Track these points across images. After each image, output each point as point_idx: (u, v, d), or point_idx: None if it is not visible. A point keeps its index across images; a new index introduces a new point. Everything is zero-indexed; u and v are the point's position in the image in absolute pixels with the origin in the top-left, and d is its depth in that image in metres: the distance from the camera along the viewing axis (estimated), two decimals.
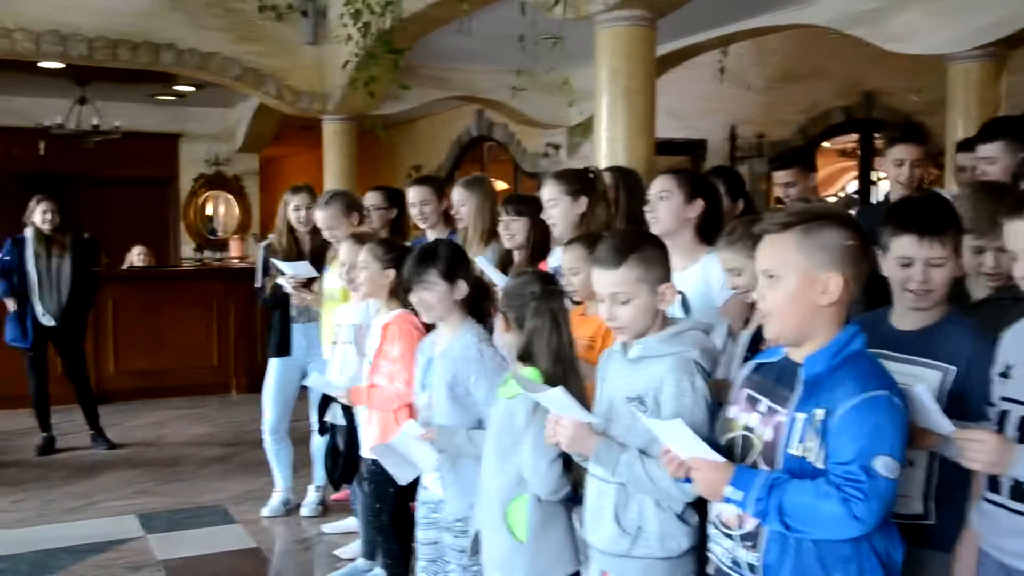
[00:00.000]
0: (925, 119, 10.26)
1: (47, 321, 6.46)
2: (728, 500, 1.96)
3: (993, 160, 3.53)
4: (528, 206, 3.86)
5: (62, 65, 8.36)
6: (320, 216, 4.62)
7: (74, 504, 5.33)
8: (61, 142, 10.55)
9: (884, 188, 4.87)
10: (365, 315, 3.91)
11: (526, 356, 2.57)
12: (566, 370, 2.56)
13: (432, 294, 3.04)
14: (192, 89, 10.37)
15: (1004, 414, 2.06)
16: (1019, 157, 3.29)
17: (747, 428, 2.04)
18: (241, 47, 7.78)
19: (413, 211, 4.68)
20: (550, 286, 2.68)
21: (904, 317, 2.39)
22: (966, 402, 2.21)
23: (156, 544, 4.64)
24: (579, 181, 3.60)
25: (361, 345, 3.85)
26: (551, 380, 2.46)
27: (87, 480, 5.82)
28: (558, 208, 3.56)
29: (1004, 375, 2.10)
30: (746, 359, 2.65)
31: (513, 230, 3.84)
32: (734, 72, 8.58)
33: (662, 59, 6.98)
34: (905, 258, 2.30)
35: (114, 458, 6.36)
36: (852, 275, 1.94)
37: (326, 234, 4.66)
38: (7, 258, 6.44)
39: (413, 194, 4.66)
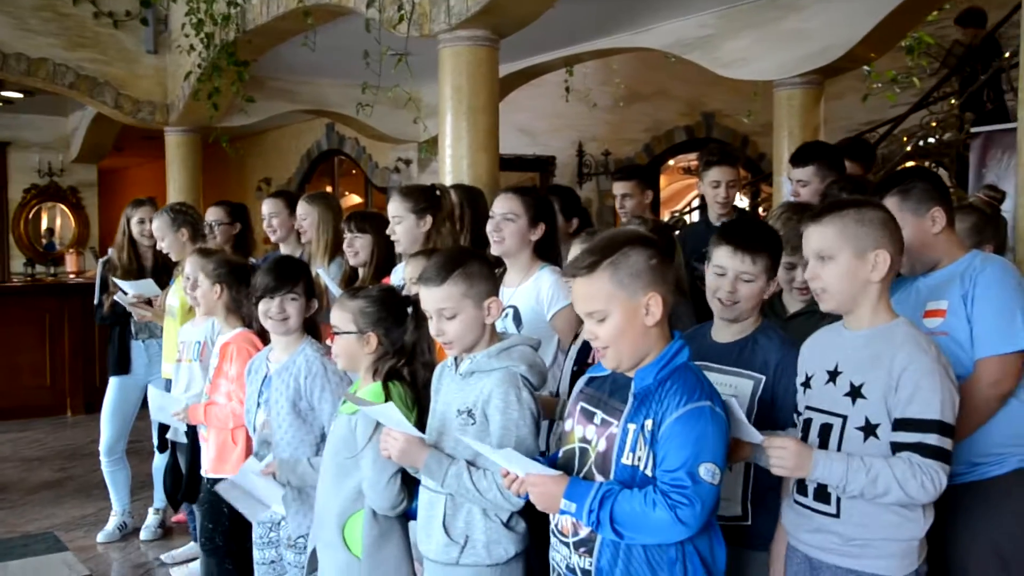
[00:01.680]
0: (759, 139, 10.87)
1: None
2: (563, 512, 2.03)
3: (806, 183, 3.77)
4: (371, 223, 3.89)
5: None
6: (154, 226, 4.65)
7: None
8: None
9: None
10: (209, 332, 3.84)
11: (391, 371, 2.59)
12: (422, 378, 2.62)
13: (294, 307, 3.07)
14: (20, 95, 9.85)
15: (807, 422, 2.22)
16: (828, 180, 3.53)
17: (583, 440, 2.12)
18: (74, 53, 7.47)
19: (264, 223, 4.65)
20: (405, 296, 2.71)
21: (722, 330, 2.55)
22: (776, 410, 2.38)
23: None
24: (424, 199, 3.64)
25: (205, 361, 3.78)
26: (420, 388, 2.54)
27: None
28: (402, 225, 3.61)
29: (805, 385, 2.26)
30: (573, 372, 2.76)
31: (356, 247, 3.86)
32: (581, 91, 8.84)
33: (510, 77, 7.14)
34: (719, 267, 2.49)
35: None
36: (665, 290, 2.05)
37: (160, 245, 4.65)
38: None
39: (264, 207, 4.65)
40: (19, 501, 5.63)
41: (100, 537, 4.89)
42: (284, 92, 8.25)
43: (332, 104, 8.52)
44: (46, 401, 8.11)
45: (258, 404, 3.17)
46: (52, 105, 10.27)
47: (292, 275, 3.15)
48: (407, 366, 2.61)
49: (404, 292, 2.94)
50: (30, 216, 11.53)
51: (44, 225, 11.72)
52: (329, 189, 10.88)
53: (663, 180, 11.80)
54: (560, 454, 2.20)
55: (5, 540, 4.92)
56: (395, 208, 3.63)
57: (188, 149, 8.03)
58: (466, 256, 2.45)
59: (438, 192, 3.71)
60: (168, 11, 7.66)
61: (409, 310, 2.63)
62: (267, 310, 3.09)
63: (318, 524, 2.69)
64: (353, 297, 2.71)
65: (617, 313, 2.02)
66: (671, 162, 11.55)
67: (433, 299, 2.38)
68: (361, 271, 3.92)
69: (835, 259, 2.14)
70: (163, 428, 4.10)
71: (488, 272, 2.44)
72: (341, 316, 2.67)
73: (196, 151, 8.08)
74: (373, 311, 2.63)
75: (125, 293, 4.66)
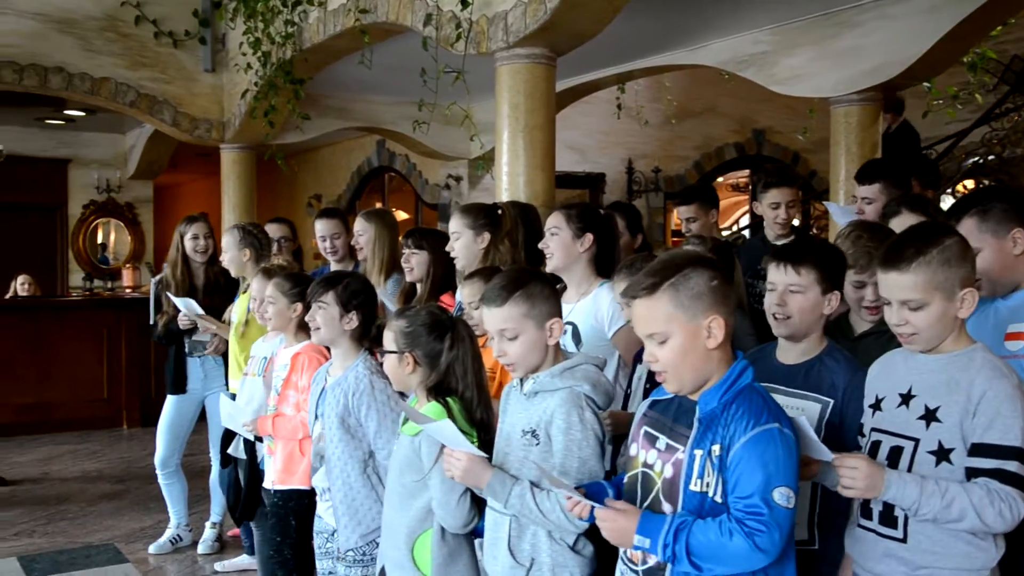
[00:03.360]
0: (810, 156, 10.77)
1: None
2: (637, 548, 2.00)
3: (871, 200, 3.72)
4: (428, 239, 3.91)
5: None
6: (223, 241, 4.71)
7: None
8: None
9: None
10: (276, 347, 3.88)
11: (440, 389, 2.59)
12: (485, 398, 2.62)
13: (322, 315, 3.10)
14: (82, 114, 10.09)
15: (876, 444, 2.18)
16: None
17: (646, 465, 2.09)
18: (136, 72, 7.63)
19: (323, 244, 4.70)
20: (449, 318, 2.72)
21: (787, 351, 2.51)
22: (842, 432, 2.33)
23: None
24: (483, 216, 3.66)
25: (268, 377, 3.82)
26: (473, 408, 2.54)
27: None
28: (460, 241, 3.63)
29: (874, 407, 2.22)
30: (646, 389, 2.74)
31: (412, 263, 3.88)
32: (632, 108, 8.81)
33: (562, 94, 7.14)
34: (770, 284, 2.47)
35: None
36: (727, 312, 2.01)
37: (222, 259, 4.71)
38: None
39: (321, 227, 4.70)
40: (80, 512, 5.73)
41: (152, 549, 4.96)
42: (337, 110, 8.35)
43: (384, 121, 8.60)
44: (103, 413, 8.25)
45: (316, 416, 3.20)
46: (111, 123, 10.52)
47: (328, 285, 3.16)
48: (458, 386, 2.60)
49: (465, 315, 2.96)
50: (88, 232, 11.79)
51: (99, 240, 11.98)
52: (379, 205, 10.96)
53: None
54: (625, 479, 2.17)
55: (68, 551, 5.00)
56: (455, 224, 3.66)
57: (243, 166, 8.15)
58: (527, 277, 2.44)
59: (499, 210, 3.72)
60: (226, 30, 7.80)
61: (449, 333, 2.61)
62: (318, 324, 3.14)
63: (386, 543, 2.69)
64: (398, 316, 2.73)
65: (678, 335, 1.98)
66: (720, 179, 11.49)
67: (494, 320, 2.37)
68: (418, 288, 3.94)
69: (928, 306, 2.07)
70: (225, 443, 4.14)
71: (550, 292, 2.43)
72: (387, 335, 2.69)
73: (251, 168, 8.20)
74: (412, 331, 2.64)
75: (177, 310, 4.74)
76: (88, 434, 7.96)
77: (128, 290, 11.16)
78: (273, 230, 5.10)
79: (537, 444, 2.30)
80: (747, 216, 12.27)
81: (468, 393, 2.59)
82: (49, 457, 7.20)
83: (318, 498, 3.22)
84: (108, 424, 8.21)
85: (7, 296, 9.00)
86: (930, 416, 2.08)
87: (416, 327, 2.64)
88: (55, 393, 8.04)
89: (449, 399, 2.57)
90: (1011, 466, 1.97)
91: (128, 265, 11.75)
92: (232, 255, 4.64)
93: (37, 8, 7.21)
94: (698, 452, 1.98)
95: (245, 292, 4.47)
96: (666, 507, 2.02)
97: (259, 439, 3.79)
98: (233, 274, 4.75)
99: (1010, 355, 2.23)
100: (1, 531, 5.37)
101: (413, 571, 2.58)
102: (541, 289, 2.40)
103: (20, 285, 9.08)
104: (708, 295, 1.98)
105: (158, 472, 5.00)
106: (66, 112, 10.16)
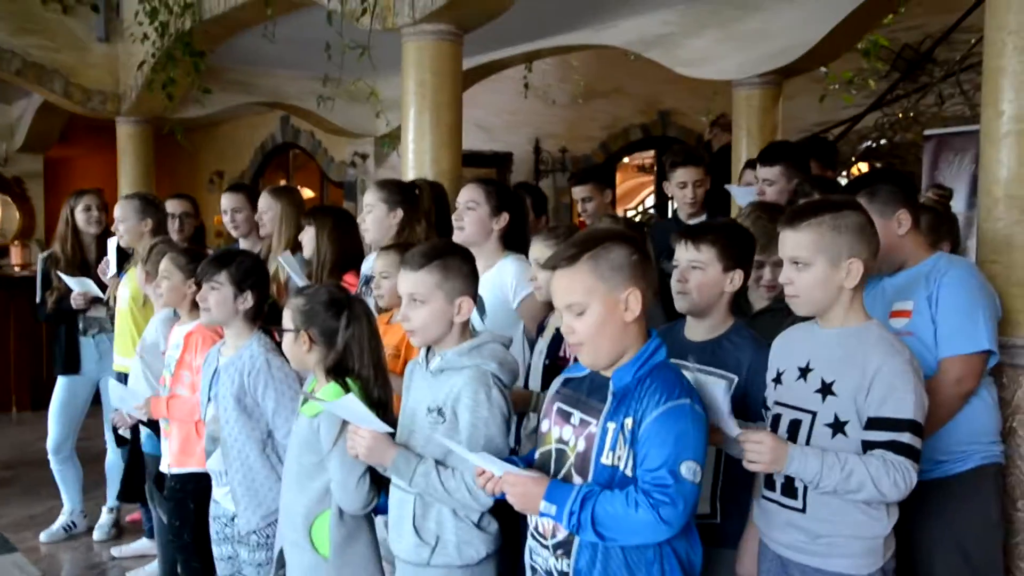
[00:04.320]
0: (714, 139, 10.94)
1: None
2: (543, 515, 2.01)
3: (772, 182, 3.81)
4: (325, 216, 3.87)
5: None
6: (117, 211, 4.56)
7: None
8: None
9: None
10: (168, 325, 3.76)
11: (338, 369, 2.55)
12: (383, 377, 2.59)
13: (215, 295, 3.03)
14: None
15: (777, 417, 2.24)
16: (794, 182, 3.57)
17: (560, 441, 2.11)
18: (22, 39, 7.27)
19: (225, 218, 4.58)
20: (348, 295, 2.69)
21: (694, 328, 2.56)
22: (747, 407, 2.39)
23: None
24: (399, 192, 3.66)
25: (158, 356, 3.71)
26: (371, 387, 2.51)
27: None
28: (373, 214, 3.61)
29: (775, 380, 2.28)
30: (545, 366, 2.76)
31: (310, 241, 3.81)
32: (539, 88, 8.83)
33: (469, 72, 7.10)
34: (676, 260, 2.54)
35: None
36: (644, 287, 2.04)
37: (118, 229, 4.54)
38: None
39: (226, 201, 4.59)
40: None
41: (43, 537, 4.79)
42: (241, 84, 8.13)
43: (289, 97, 8.41)
44: None
45: (208, 398, 3.13)
46: None
47: (220, 264, 3.08)
48: (355, 366, 2.57)
49: (373, 285, 2.91)
50: None
51: None
52: (284, 183, 10.76)
53: (618, 177, 11.86)
54: (537, 455, 2.18)
55: None
56: (369, 197, 3.64)
57: (140, 140, 7.86)
58: (451, 249, 2.45)
59: (416, 189, 3.71)
60: None
61: (346, 311, 2.58)
62: (210, 302, 3.06)
63: (284, 524, 2.66)
64: (296, 295, 2.69)
65: (596, 307, 2.00)
66: (626, 159, 11.61)
67: (408, 283, 2.38)
68: (315, 266, 3.87)
69: (810, 267, 2.15)
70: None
71: (469, 271, 2.42)
72: (285, 313, 2.65)
73: (148, 142, 7.92)
74: (309, 309, 2.60)
75: (70, 289, 4.56)
76: None
77: (17, 268, 10.72)
78: (174, 206, 4.94)
79: (443, 422, 2.30)
80: (652, 196, 12.48)
81: (365, 372, 2.56)
82: None
83: (214, 482, 3.14)
84: None
85: None
86: (826, 390, 2.14)
87: (313, 305, 2.60)
88: None
89: (348, 379, 2.54)
90: (904, 437, 2.04)
91: (16, 242, 11.26)
92: (130, 226, 4.49)
93: None
94: (611, 425, 2.00)
95: (136, 268, 4.31)
96: (577, 480, 2.04)
97: (148, 422, 3.69)
98: (127, 245, 4.58)
99: (894, 331, 2.31)
100: None
101: (311, 553, 2.56)
102: (460, 265, 2.40)
103: None
104: (628, 268, 2.01)
105: (51, 457, 4.83)
106: None
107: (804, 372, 2.20)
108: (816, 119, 7.99)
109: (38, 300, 4.92)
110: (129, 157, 7.84)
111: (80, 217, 4.80)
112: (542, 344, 2.88)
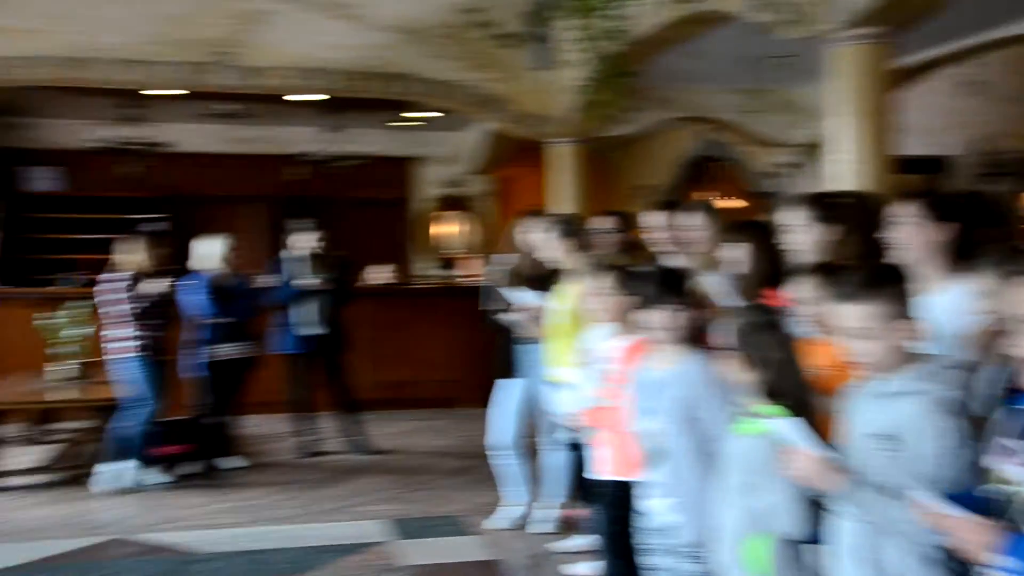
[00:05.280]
0: None
1: (313, 331, 7.00)
2: (1002, 570, 1.87)
3: None
4: (750, 232, 3.80)
5: (318, 97, 9.13)
6: (538, 236, 4.84)
7: (331, 506, 5.80)
8: (314, 167, 11.59)
9: None
10: (604, 339, 3.99)
11: (776, 390, 2.56)
12: (810, 402, 2.55)
13: (678, 318, 3.12)
14: (428, 115, 10.96)
15: None
16: None
17: (1003, 480, 1.96)
18: (474, 75, 8.15)
19: (648, 235, 4.74)
20: (779, 317, 2.68)
21: None
22: None
23: (401, 550, 4.93)
24: (826, 206, 3.46)
25: (594, 368, 3.95)
26: (799, 413, 2.46)
27: (345, 483, 6.32)
28: (805, 233, 3.42)
29: None
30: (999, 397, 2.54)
31: (735, 257, 3.80)
32: (980, 85, 8.08)
33: (898, 72, 6.73)
34: None
35: (367, 464, 6.86)
36: None
37: (544, 254, 4.84)
38: (280, 273, 7.05)
39: (648, 218, 4.72)
40: (432, 484, 6.30)
41: (489, 524, 5.28)
42: (662, 100, 8.42)
43: (709, 110, 8.56)
44: (447, 393, 8.95)
45: (644, 411, 3.25)
46: (451, 122, 11.33)
47: (677, 286, 3.19)
48: (789, 387, 2.54)
49: (798, 309, 2.88)
50: (432, 224, 12.83)
51: (442, 231, 12.98)
52: (703, 196, 10.88)
53: None
54: (980, 492, 2.03)
55: (424, 519, 5.50)
56: (798, 215, 3.46)
57: (571, 159, 8.44)
58: (890, 273, 2.35)
59: (849, 201, 3.54)
60: (555, 28, 8.11)
61: (781, 332, 2.56)
62: (652, 319, 3.17)
63: (716, 541, 2.70)
64: (732, 314, 2.70)
65: None
66: None
67: (851, 317, 2.29)
68: (741, 283, 3.86)
69: None
70: (556, 429, 4.32)
71: (909, 291, 2.33)
72: (723, 332, 2.67)
73: (578, 161, 8.47)
74: (747, 330, 2.61)
75: (509, 304, 4.98)
76: (437, 412, 8.70)
77: (468, 278, 11.95)
78: (603, 222, 5.19)
79: (894, 449, 2.20)
80: None
81: (799, 394, 2.53)
82: (407, 431, 7.97)
83: (651, 493, 3.26)
84: (451, 404, 8.87)
85: (368, 283, 9.94)
86: None
87: (752, 326, 2.62)
88: (408, 373, 8.86)
89: (784, 401, 2.53)
90: None
91: (468, 255, 12.61)
92: (554, 248, 4.77)
93: (390, 22, 7.92)
94: None
95: (569, 283, 4.59)
96: None
97: (585, 428, 3.92)
98: (558, 266, 4.89)
99: None
100: (374, 494, 6.06)
101: (742, 573, 2.57)
102: (902, 288, 2.31)
103: (382, 273, 9.96)
104: None
105: (494, 452, 5.31)
106: (413, 115, 11.09)
107: None
108: None
109: (484, 308, 5.46)
110: (560, 176, 8.43)
111: (520, 240, 5.20)
112: (998, 374, 2.65)
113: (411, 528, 5.30)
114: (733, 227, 3.90)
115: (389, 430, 7.83)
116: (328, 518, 5.53)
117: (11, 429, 7.00)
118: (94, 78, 7.73)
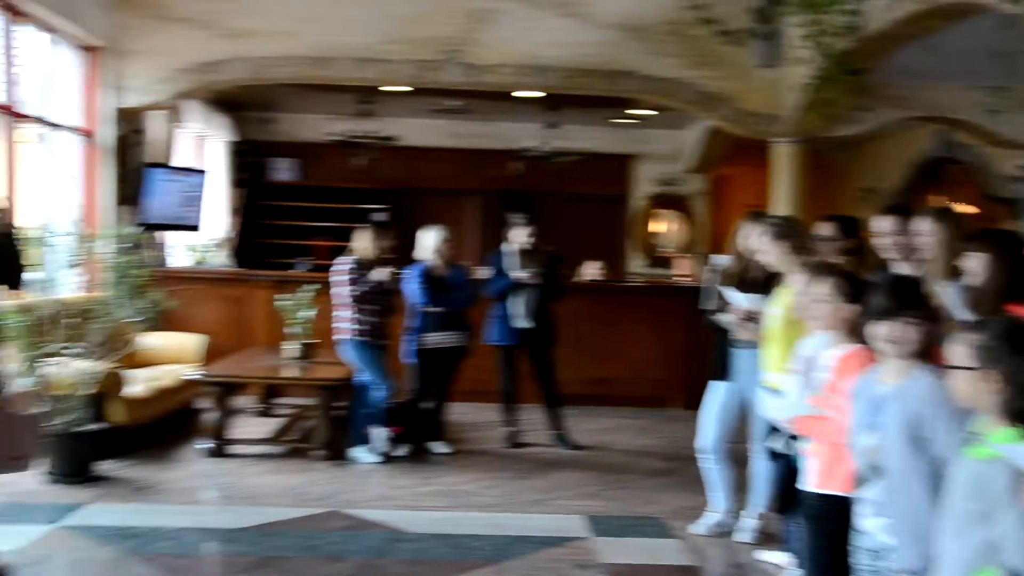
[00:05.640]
0: None
1: (524, 324, 7.12)
2: None
3: None
4: (994, 240, 3.59)
5: (540, 94, 9.30)
6: (757, 239, 4.72)
7: (533, 497, 5.88)
8: (531, 162, 11.82)
9: None
10: (820, 347, 3.85)
11: (1014, 416, 2.38)
12: None
13: (912, 332, 2.96)
14: (647, 112, 10.90)
15: None
16: None
17: None
18: (696, 72, 8.04)
19: (878, 240, 4.52)
20: None
21: None
22: None
23: (601, 547, 4.94)
24: None
25: (809, 376, 3.81)
26: None
27: (547, 476, 6.40)
28: None
29: None
30: None
31: (973, 267, 3.57)
32: None
33: None
34: None
35: (570, 458, 6.90)
36: None
37: (762, 256, 4.71)
38: (496, 267, 7.23)
39: (881, 223, 4.52)
40: (633, 483, 6.26)
41: (696, 530, 5.19)
42: (898, 99, 8.00)
43: (949, 109, 8.04)
44: (653, 392, 8.87)
45: (866, 426, 3.10)
46: (669, 120, 11.23)
47: (912, 298, 3.02)
48: None
49: None
50: (648, 221, 12.78)
51: (658, 229, 12.91)
52: (938, 200, 10.23)
53: None
54: None
55: (623, 517, 5.49)
56: None
57: (794, 160, 8.17)
58: None
59: None
60: (782, 25, 7.85)
61: None
62: (882, 332, 3.01)
63: (937, 570, 2.54)
64: (972, 329, 2.50)
65: None
66: None
67: None
68: (976, 295, 3.61)
69: None
70: (769, 437, 4.20)
71: None
72: (958, 348, 2.49)
73: (802, 161, 8.19)
74: (994, 347, 2.41)
75: (727, 304, 4.87)
76: (640, 411, 8.64)
77: (682, 277, 11.82)
78: (820, 228, 5.00)
79: None
80: None
81: None
82: (610, 428, 7.96)
83: (866, 511, 3.12)
84: (656, 403, 8.79)
85: (579, 279, 10.01)
86: None
87: (1000, 343, 2.42)
88: (615, 370, 8.84)
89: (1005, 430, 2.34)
90: None
91: (682, 254, 12.46)
92: (772, 251, 4.64)
93: (614, 20, 7.94)
94: None
95: (785, 288, 4.46)
96: None
97: (797, 437, 3.79)
98: (775, 270, 4.75)
99: None
100: (573, 489, 6.09)
101: None
102: None
103: (593, 270, 10.02)
104: None
105: (702, 456, 5.23)
106: (632, 112, 11.07)
107: None
108: None
109: (702, 308, 5.37)
110: (782, 176, 8.18)
111: (741, 241, 5.07)
112: None
113: (611, 526, 5.30)
114: (973, 235, 3.70)
115: (592, 426, 7.85)
116: (529, 509, 5.62)
117: (245, 401, 7.61)
118: (335, 76, 8.27)
